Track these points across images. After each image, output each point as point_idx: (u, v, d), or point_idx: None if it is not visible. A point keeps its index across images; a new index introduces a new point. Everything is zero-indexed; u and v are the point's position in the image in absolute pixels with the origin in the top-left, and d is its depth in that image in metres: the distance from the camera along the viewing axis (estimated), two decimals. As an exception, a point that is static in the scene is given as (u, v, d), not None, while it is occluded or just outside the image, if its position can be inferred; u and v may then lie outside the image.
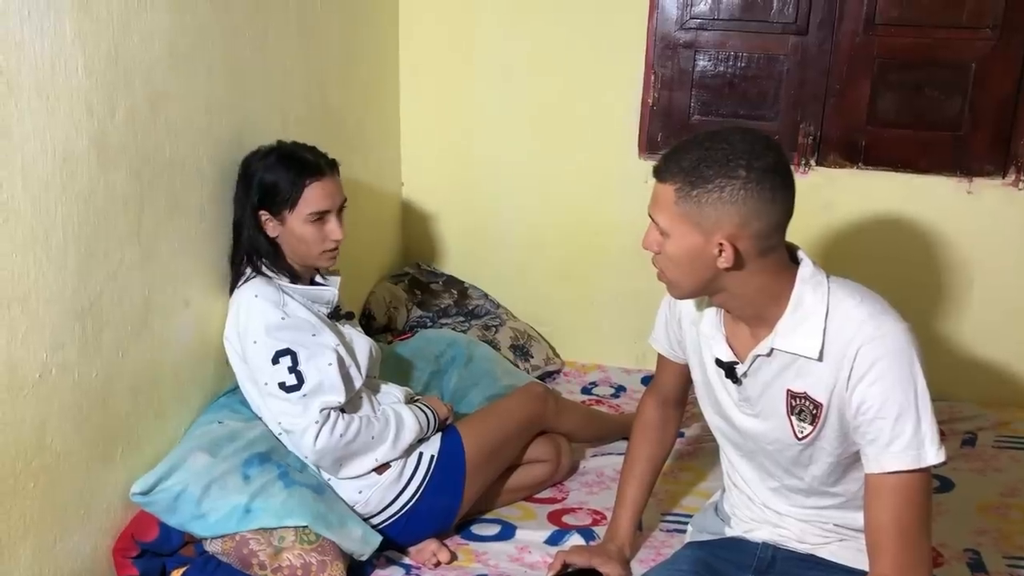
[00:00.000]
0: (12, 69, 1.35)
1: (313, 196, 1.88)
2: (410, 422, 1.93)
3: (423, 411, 1.98)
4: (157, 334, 1.77)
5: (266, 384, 1.83)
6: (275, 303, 1.85)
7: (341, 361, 1.87)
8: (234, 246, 1.96)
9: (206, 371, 1.95)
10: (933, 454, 1.32)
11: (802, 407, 1.41)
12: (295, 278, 1.94)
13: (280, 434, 1.89)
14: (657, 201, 1.39)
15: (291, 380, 1.80)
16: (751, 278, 1.38)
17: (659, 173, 1.39)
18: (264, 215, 1.90)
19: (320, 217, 1.89)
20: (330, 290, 1.98)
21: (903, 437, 1.31)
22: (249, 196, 1.90)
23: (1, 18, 1.33)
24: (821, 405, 1.39)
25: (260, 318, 1.83)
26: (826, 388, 1.38)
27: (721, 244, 1.34)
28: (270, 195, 1.88)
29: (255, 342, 1.83)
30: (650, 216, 1.41)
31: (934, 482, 2.24)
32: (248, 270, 1.91)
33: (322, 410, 1.81)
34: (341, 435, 1.82)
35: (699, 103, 2.75)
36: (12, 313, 1.40)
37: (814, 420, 1.41)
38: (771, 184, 1.33)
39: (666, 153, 1.41)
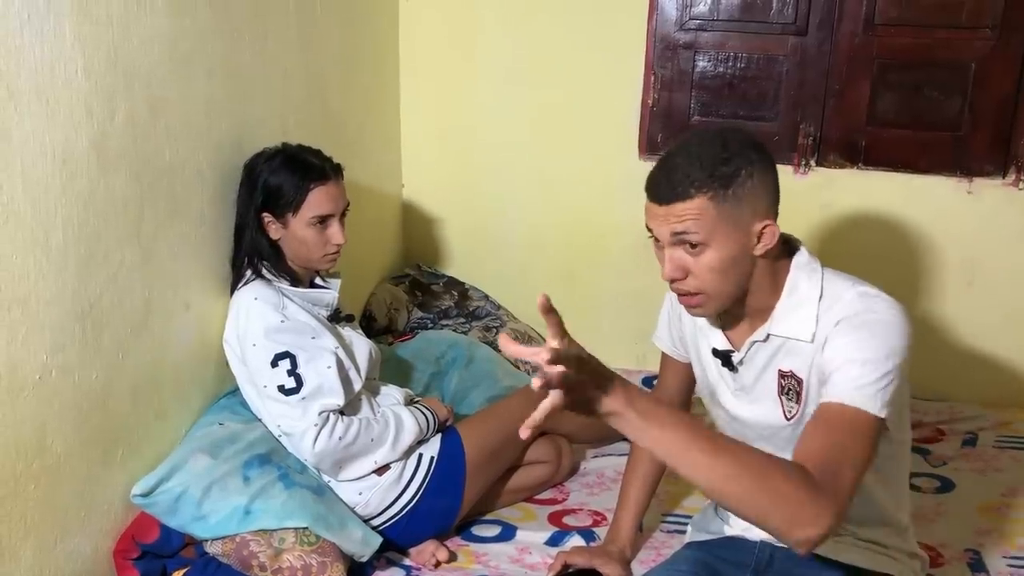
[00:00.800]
0: (12, 72, 1.35)
1: (316, 200, 1.88)
2: (409, 424, 1.93)
3: (423, 413, 1.98)
4: (157, 336, 1.77)
5: (265, 387, 1.83)
6: (275, 306, 1.85)
7: (340, 364, 1.87)
8: (235, 248, 1.96)
9: (206, 373, 1.95)
10: (879, 406, 1.26)
11: (789, 386, 1.42)
12: (295, 281, 1.94)
13: (280, 436, 1.89)
14: (687, 219, 1.32)
15: (290, 383, 1.81)
16: (770, 263, 1.39)
17: (675, 194, 1.33)
18: (267, 217, 1.90)
19: (322, 221, 1.89)
20: (330, 293, 1.98)
21: (864, 379, 1.26)
22: (253, 198, 1.91)
23: (1, 21, 1.33)
24: (802, 380, 1.40)
25: (260, 321, 1.83)
26: (807, 363, 1.38)
27: (765, 225, 1.33)
28: (274, 197, 1.89)
29: (254, 345, 1.83)
30: (673, 242, 1.35)
31: (935, 482, 2.24)
32: (248, 272, 1.92)
33: (320, 413, 1.81)
34: (340, 438, 1.82)
35: (699, 104, 2.75)
36: (12, 315, 1.40)
37: (798, 397, 1.41)
38: (770, 159, 1.36)
39: (658, 180, 1.36)
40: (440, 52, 2.92)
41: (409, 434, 1.92)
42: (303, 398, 1.81)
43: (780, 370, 1.43)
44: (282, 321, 1.84)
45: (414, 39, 2.93)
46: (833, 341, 1.33)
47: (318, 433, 1.80)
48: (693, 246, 1.33)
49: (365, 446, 1.87)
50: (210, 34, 1.87)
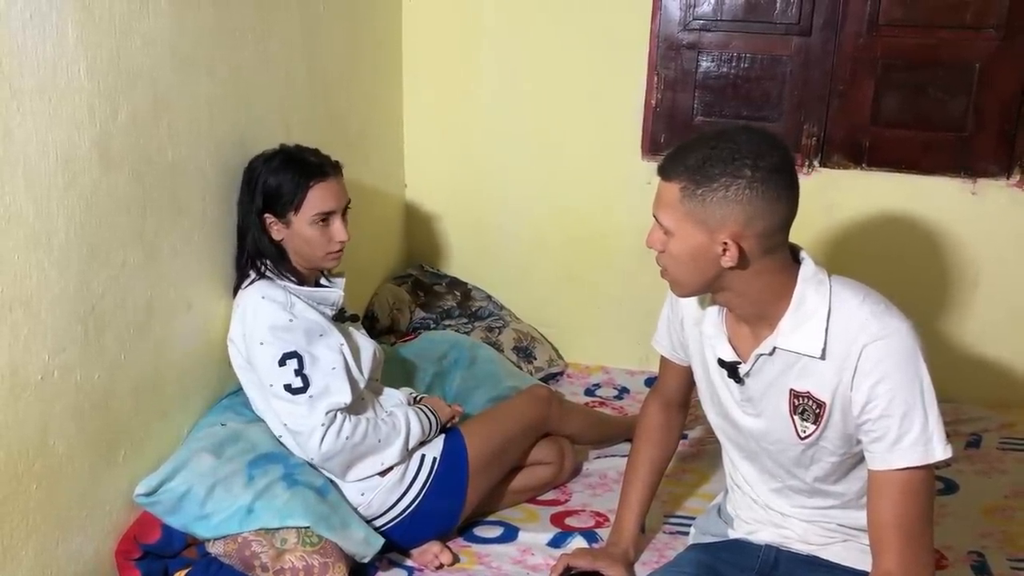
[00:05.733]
0: (14, 72, 1.35)
1: (318, 197, 1.88)
2: (415, 427, 1.93)
3: (425, 415, 1.98)
4: (160, 336, 1.77)
5: (271, 386, 1.83)
6: (282, 305, 1.85)
7: (347, 363, 1.87)
8: (239, 249, 1.96)
9: (209, 373, 1.95)
10: (941, 450, 1.33)
11: (805, 406, 1.41)
12: (300, 281, 1.93)
13: (281, 436, 1.89)
14: (661, 199, 1.39)
15: (297, 382, 1.80)
16: (754, 277, 1.38)
17: (664, 171, 1.39)
18: (269, 218, 1.90)
19: (325, 218, 1.89)
20: (335, 292, 1.97)
21: (911, 434, 1.32)
22: (254, 200, 1.90)
23: (3, 21, 1.33)
24: (824, 404, 1.39)
25: (267, 319, 1.83)
26: (829, 387, 1.38)
27: (725, 243, 1.34)
28: (275, 198, 1.88)
29: (262, 343, 1.82)
30: (654, 215, 1.41)
31: (938, 484, 2.24)
32: (252, 273, 1.91)
33: (328, 412, 1.81)
34: (347, 437, 1.82)
35: (702, 104, 2.75)
36: (14, 315, 1.40)
37: (817, 419, 1.40)
38: (776, 183, 1.33)
39: (671, 151, 1.41)
40: (443, 52, 2.92)
41: (414, 438, 1.92)
42: (311, 397, 1.81)
43: (794, 390, 1.42)
44: (290, 320, 1.83)
45: (417, 39, 2.92)
46: (861, 386, 1.34)
47: (325, 432, 1.80)
48: (664, 231, 1.39)
49: (372, 446, 1.87)
50: (213, 34, 1.87)
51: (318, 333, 1.86)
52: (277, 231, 1.91)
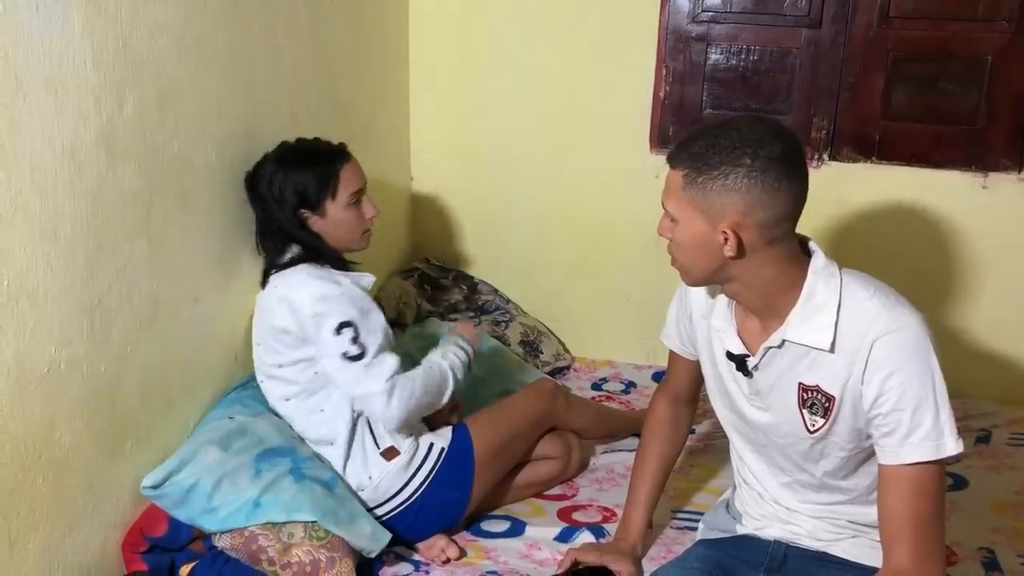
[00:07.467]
0: (20, 63, 1.35)
1: (348, 179, 1.93)
2: (451, 381, 1.97)
3: (455, 351, 2.03)
4: (166, 329, 1.76)
5: (330, 356, 1.84)
6: (328, 278, 1.87)
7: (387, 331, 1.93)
8: (273, 250, 1.95)
9: (215, 366, 1.95)
10: (952, 445, 1.32)
11: (814, 400, 1.40)
12: (341, 266, 1.98)
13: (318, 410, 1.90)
14: (667, 187, 1.40)
15: (354, 350, 1.83)
16: (759, 268, 1.37)
17: (670, 158, 1.40)
18: (305, 214, 1.91)
19: (357, 199, 1.94)
20: (368, 277, 1.98)
21: (922, 428, 1.31)
22: (284, 201, 1.90)
23: (10, 12, 1.32)
24: (834, 398, 1.38)
25: (317, 290, 1.84)
26: (839, 381, 1.37)
27: (725, 232, 1.33)
28: (307, 193, 1.90)
29: (315, 315, 1.83)
30: (662, 202, 1.42)
31: (948, 480, 2.22)
32: (287, 257, 1.92)
33: (388, 379, 1.84)
34: (410, 397, 1.86)
35: (711, 97, 2.73)
36: (21, 308, 1.39)
37: (826, 413, 1.40)
38: (777, 174, 1.32)
39: (681, 139, 1.41)
40: (450, 44, 2.91)
41: (458, 370, 2.00)
42: (367, 364, 1.84)
43: (802, 383, 1.41)
44: (340, 292, 1.86)
45: (424, 30, 2.91)
46: (872, 380, 1.33)
47: (388, 399, 1.84)
48: (671, 218, 1.40)
49: (432, 394, 1.93)
50: (219, 24, 1.86)
51: (367, 303, 1.89)
52: (314, 223, 1.92)
